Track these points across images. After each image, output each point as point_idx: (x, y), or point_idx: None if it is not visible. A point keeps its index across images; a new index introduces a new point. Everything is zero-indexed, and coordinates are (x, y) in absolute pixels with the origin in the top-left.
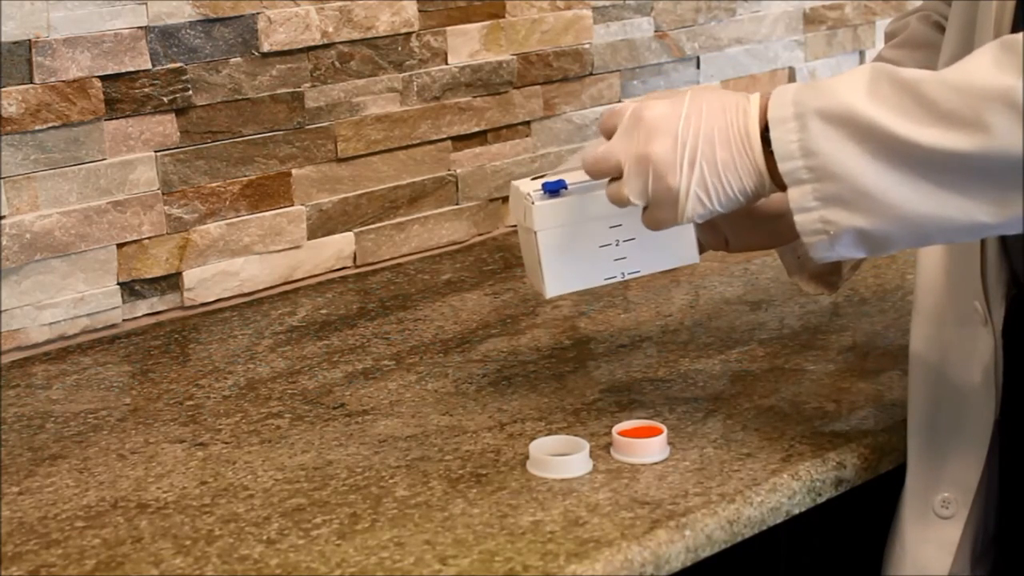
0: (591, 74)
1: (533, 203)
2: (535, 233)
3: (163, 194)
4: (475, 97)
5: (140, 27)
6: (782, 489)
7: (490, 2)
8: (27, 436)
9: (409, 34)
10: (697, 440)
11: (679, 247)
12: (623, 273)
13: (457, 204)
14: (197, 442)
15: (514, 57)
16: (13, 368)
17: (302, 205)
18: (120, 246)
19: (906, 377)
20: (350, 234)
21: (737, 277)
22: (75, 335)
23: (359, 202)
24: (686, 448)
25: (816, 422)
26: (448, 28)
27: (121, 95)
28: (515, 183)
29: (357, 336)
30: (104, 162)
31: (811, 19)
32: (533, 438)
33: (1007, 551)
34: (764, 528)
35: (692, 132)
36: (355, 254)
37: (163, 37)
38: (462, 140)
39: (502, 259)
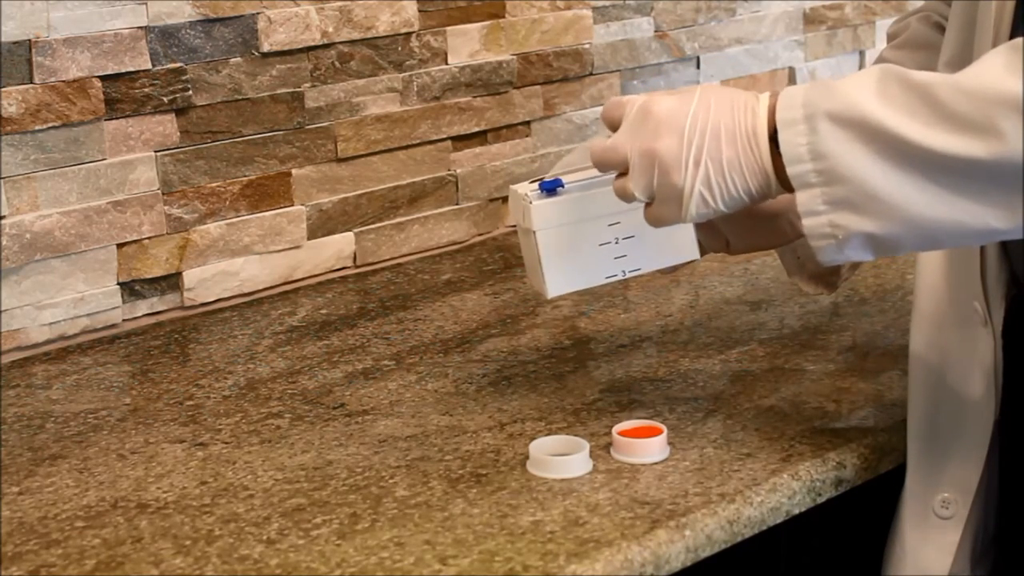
0: (591, 74)
1: (531, 203)
2: (534, 233)
3: (163, 194)
4: (475, 97)
5: (140, 27)
6: (782, 489)
7: (490, 2)
8: (27, 436)
9: (409, 34)
10: (697, 440)
11: (679, 244)
12: (624, 271)
13: (457, 204)
14: (197, 442)
15: (514, 57)
16: (13, 368)
17: (302, 205)
18: (120, 246)
19: (906, 377)
20: (350, 234)
21: (737, 277)
22: (75, 335)
23: (359, 202)
24: (686, 448)
25: (816, 422)
26: (448, 28)
27: (121, 95)
28: (513, 187)
29: (357, 336)
30: (104, 162)
31: (811, 19)
32: (533, 438)
33: (1007, 551)
34: (764, 528)
35: (699, 130)
36: (355, 254)
37: (163, 37)
38: (462, 140)
39: (502, 259)
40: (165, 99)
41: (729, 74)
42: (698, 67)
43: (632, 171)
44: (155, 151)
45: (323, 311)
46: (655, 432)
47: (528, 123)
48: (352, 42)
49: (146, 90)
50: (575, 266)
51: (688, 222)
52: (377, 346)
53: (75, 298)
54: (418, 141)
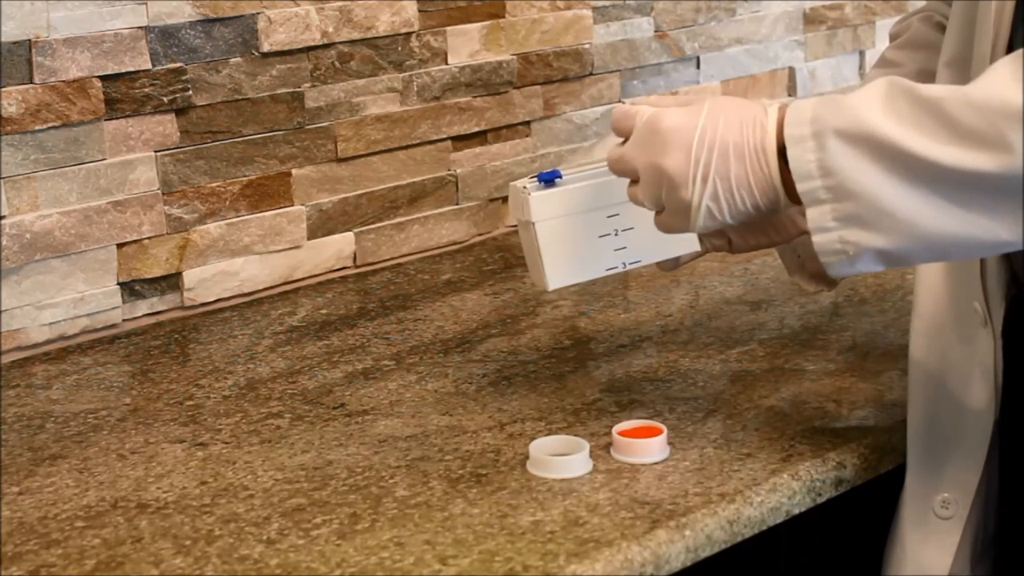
0: (591, 74)
1: (529, 194)
2: (533, 225)
3: (163, 194)
4: (475, 97)
5: (140, 27)
6: (782, 489)
7: (490, 2)
8: (27, 436)
9: (409, 34)
10: (697, 440)
11: (679, 235)
12: (624, 263)
13: (457, 204)
14: (197, 442)
15: (514, 57)
16: (13, 368)
17: (302, 205)
18: (120, 246)
19: (906, 377)
20: (350, 234)
21: (737, 277)
22: (75, 335)
23: (359, 202)
24: (686, 448)
25: (816, 422)
26: (448, 28)
27: (121, 95)
28: (513, 183)
29: (357, 336)
30: (104, 162)
31: (811, 19)
32: (533, 438)
33: (1007, 551)
34: (764, 528)
35: (707, 147)
36: (355, 254)
37: (163, 37)
38: (462, 140)
39: (502, 259)
40: (165, 99)
41: (729, 74)
42: (698, 67)
43: (641, 183)
44: (155, 151)
45: (323, 311)
46: (655, 432)
47: (528, 123)
48: (352, 42)
49: (146, 90)
50: (575, 258)
51: (696, 232)
52: (377, 346)
53: (75, 298)
54: (418, 141)
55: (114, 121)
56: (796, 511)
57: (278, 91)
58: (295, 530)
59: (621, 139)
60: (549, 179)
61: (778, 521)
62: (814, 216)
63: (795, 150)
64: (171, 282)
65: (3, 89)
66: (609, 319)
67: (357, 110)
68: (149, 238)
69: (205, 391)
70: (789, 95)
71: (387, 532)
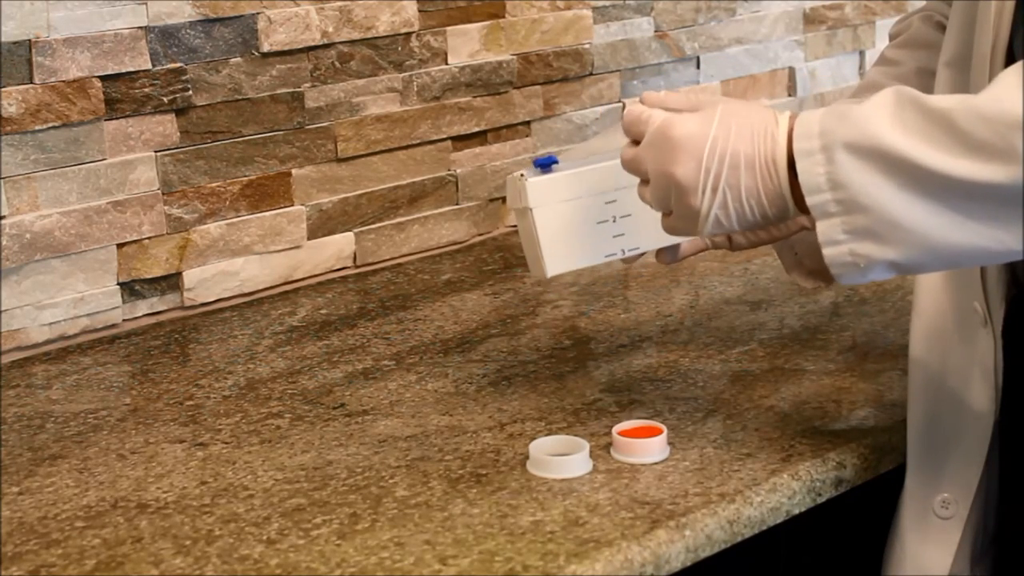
0: (591, 74)
1: (526, 180)
2: (530, 211)
3: (163, 194)
4: (475, 97)
5: (140, 27)
6: (782, 489)
7: (490, 2)
8: (27, 436)
9: (409, 34)
10: (697, 440)
11: None
12: (623, 250)
13: (457, 204)
14: (197, 442)
15: (514, 57)
16: (13, 368)
17: (302, 205)
18: (120, 246)
19: (906, 377)
20: (350, 234)
21: (737, 277)
22: (75, 335)
23: (359, 202)
24: (686, 448)
25: (816, 422)
26: (448, 28)
27: (121, 95)
28: (510, 175)
29: (357, 336)
30: (104, 162)
31: (811, 19)
32: (533, 438)
33: (1007, 551)
34: (764, 528)
35: (718, 157)
36: (355, 254)
37: (163, 37)
38: (462, 140)
39: (502, 259)
40: (165, 99)
41: (729, 74)
42: (698, 67)
43: (651, 187)
44: (155, 151)
45: (323, 311)
46: (655, 432)
47: (528, 123)
48: (352, 42)
49: (146, 90)
50: (573, 244)
51: (704, 236)
52: (377, 346)
53: (75, 298)
54: (418, 141)
55: (114, 121)
56: (796, 511)
57: (278, 91)
58: (295, 530)
59: (629, 139)
60: (546, 164)
61: (778, 521)
62: (824, 229)
63: (804, 163)
64: (171, 282)
65: (3, 89)
66: (609, 319)
67: (357, 110)
68: (149, 238)
69: (205, 391)
70: (789, 95)
71: (387, 532)
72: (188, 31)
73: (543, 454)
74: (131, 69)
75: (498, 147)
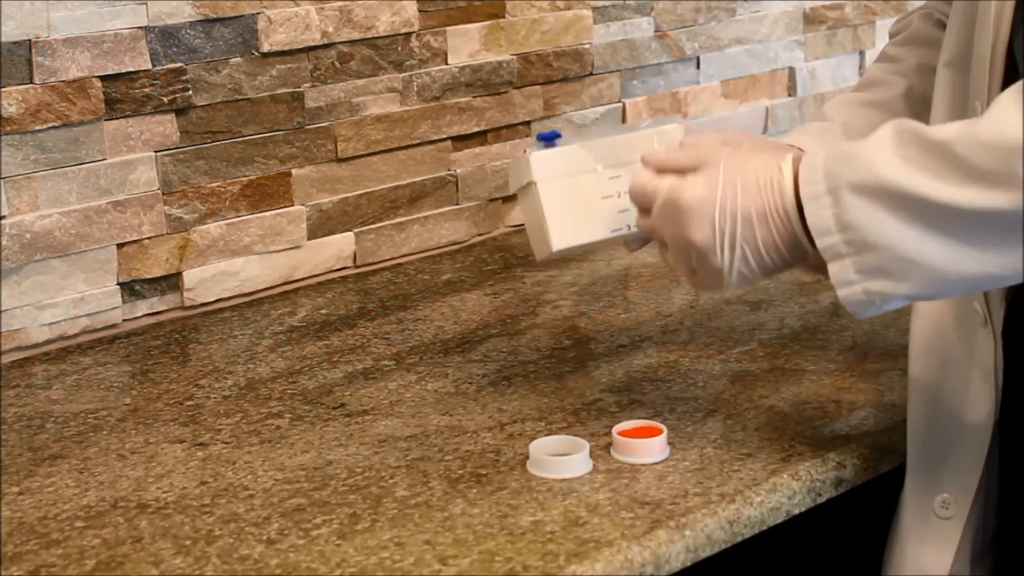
0: (591, 74)
1: (530, 153)
2: (535, 184)
3: (163, 194)
4: (475, 97)
5: (140, 27)
6: (782, 489)
7: (490, 2)
8: (27, 436)
9: (409, 34)
10: (697, 440)
11: None
12: (629, 226)
13: (457, 204)
14: (197, 442)
15: (514, 57)
16: (13, 368)
17: (302, 205)
18: (120, 246)
19: (906, 377)
20: (350, 234)
21: None
22: (75, 335)
23: (359, 202)
24: (686, 448)
25: (816, 422)
26: (448, 28)
27: (121, 95)
28: (513, 157)
29: (357, 336)
30: (104, 162)
31: (811, 19)
32: (533, 438)
33: (1007, 551)
34: (764, 528)
35: (729, 217)
36: (355, 254)
37: (163, 37)
38: (462, 140)
39: (502, 259)
40: (165, 99)
41: (729, 74)
42: (698, 67)
43: (671, 253)
44: (155, 151)
45: (323, 311)
46: (655, 432)
47: (528, 123)
48: (352, 42)
49: (146, 90)
50: (578, 219)
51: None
52: (377, 346)
53: (75, 298)
54: (418, 141)
55: (114, 121)
56: (796, 511)
57: (278, 91)
58: (295, 530)
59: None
60: (549, 138)
61: (778, 521)
62: (836, 271)
63: (812, 207)
64: (171, 282)
65: (3, 89)
66: (609, 319)
67: (357, 110)
68: (149, 238)
69: (205, 391)
70: (789, 95)
71: (387, 532)
72: (188, 31)
73: (543, 454)
74: (131, 69)
75: (498, 147)
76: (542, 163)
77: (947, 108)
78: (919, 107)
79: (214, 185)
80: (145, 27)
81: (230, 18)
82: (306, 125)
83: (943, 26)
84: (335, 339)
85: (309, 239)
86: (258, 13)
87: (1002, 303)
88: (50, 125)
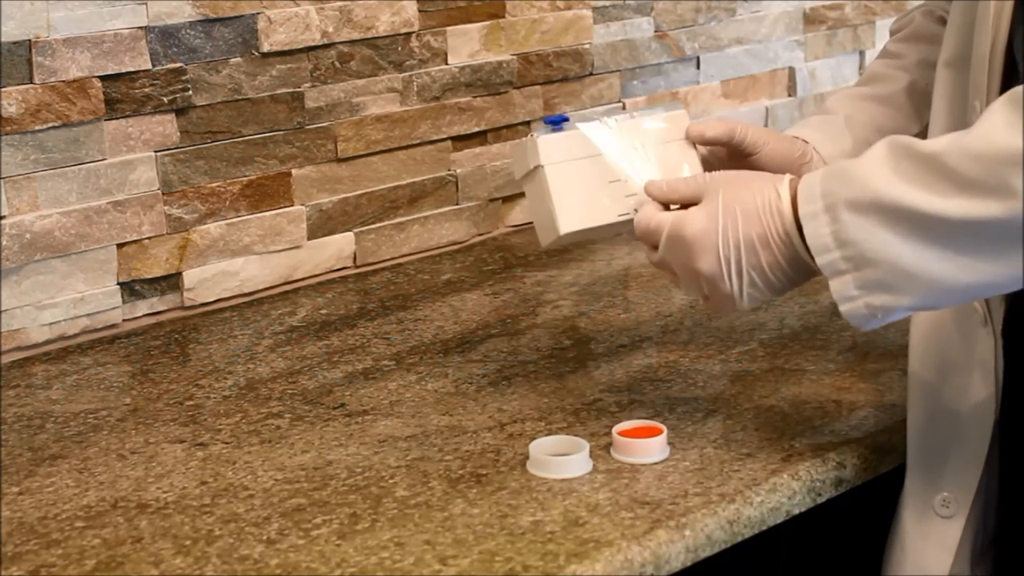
0: (591, 74)
1: (537, 137)
2: (542, 167)
3: (163, 194)
4: (475, 97)
5: (140, 27)
6: (782, 489)
7: (490, 2)
8: (27, 436)
9: (409, 34)
10: (697, 440)
11: None
12: (636, 210)
13: (457, 204)
14: (197, 442)
15: (514, 57)
16: (13, 368)
17: (302, 205)
18: (120, 246)
19: (906, 377)
20: (350, 234)
21: None
22: (75, 335)
23: (359, 202)
24: (686, 448)
25: (816, 422)
26: (448, 28)
27: (121, 95)
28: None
29: (357, 336)
30: (104, 162)
31: (811, 19)
32: (533, 438)
33: (1007, 551)
34: (764, 528)
35: (732, 245)
36: (355, 254)
37: (163, 37)
38: (462, 140)
39: (502, 259)
40: (165, 99)
41: (729, 74)
42: (698, 67)
43: (683, 283)
44: (155, 151)
45: (323, 311)
46: (655, 432)
47: (528, 123)
48: (352, 42)
49: (146, 90)
50: (586, 203)
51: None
52: (377, 346)
53: (75, 298)
54: (418, 141)
55: (114, 121)
56: (796, 511)
57: (278, 91)
58: (295, 530)
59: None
60: (556, 122)
61: (778, 521)
62: (837, 287)
63: (810, 226)
64: (171, 282)
65: (3, 89)
66: (609, 319)
67: (357, 110)
68: (149, 238)
69: (205, 391)
70: (789, 95)
71: (387, 532)
72: (188, 31)
73: (543, 454)
74: (131, 69)
75: (498, 147)
76: (550, 147)
77: (947, 107)
78: (921, 102)
79: (214, 185)
80: (145, 27)
81: (230, 18)
82: (306, 125)
83: (944, 23)
84: (335, 339)
85: (309, 239)
86: (258, 13)
87: (1002, 302)
88: (50, 125)
